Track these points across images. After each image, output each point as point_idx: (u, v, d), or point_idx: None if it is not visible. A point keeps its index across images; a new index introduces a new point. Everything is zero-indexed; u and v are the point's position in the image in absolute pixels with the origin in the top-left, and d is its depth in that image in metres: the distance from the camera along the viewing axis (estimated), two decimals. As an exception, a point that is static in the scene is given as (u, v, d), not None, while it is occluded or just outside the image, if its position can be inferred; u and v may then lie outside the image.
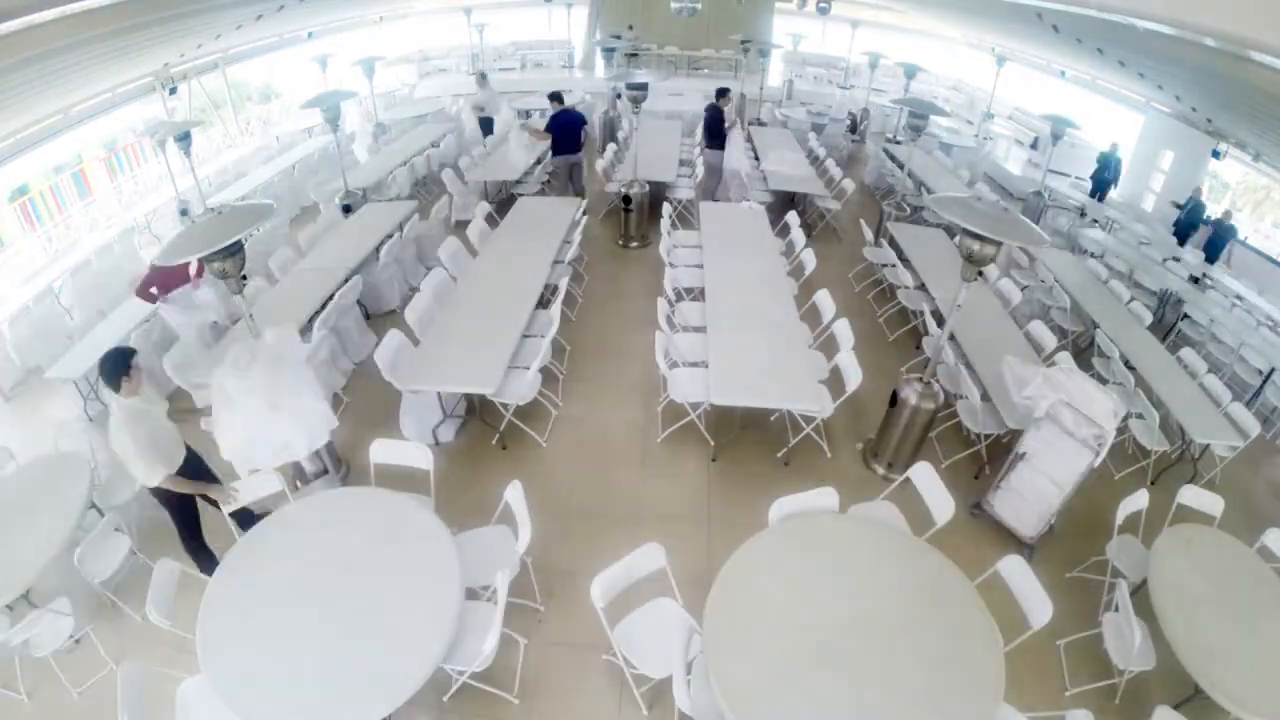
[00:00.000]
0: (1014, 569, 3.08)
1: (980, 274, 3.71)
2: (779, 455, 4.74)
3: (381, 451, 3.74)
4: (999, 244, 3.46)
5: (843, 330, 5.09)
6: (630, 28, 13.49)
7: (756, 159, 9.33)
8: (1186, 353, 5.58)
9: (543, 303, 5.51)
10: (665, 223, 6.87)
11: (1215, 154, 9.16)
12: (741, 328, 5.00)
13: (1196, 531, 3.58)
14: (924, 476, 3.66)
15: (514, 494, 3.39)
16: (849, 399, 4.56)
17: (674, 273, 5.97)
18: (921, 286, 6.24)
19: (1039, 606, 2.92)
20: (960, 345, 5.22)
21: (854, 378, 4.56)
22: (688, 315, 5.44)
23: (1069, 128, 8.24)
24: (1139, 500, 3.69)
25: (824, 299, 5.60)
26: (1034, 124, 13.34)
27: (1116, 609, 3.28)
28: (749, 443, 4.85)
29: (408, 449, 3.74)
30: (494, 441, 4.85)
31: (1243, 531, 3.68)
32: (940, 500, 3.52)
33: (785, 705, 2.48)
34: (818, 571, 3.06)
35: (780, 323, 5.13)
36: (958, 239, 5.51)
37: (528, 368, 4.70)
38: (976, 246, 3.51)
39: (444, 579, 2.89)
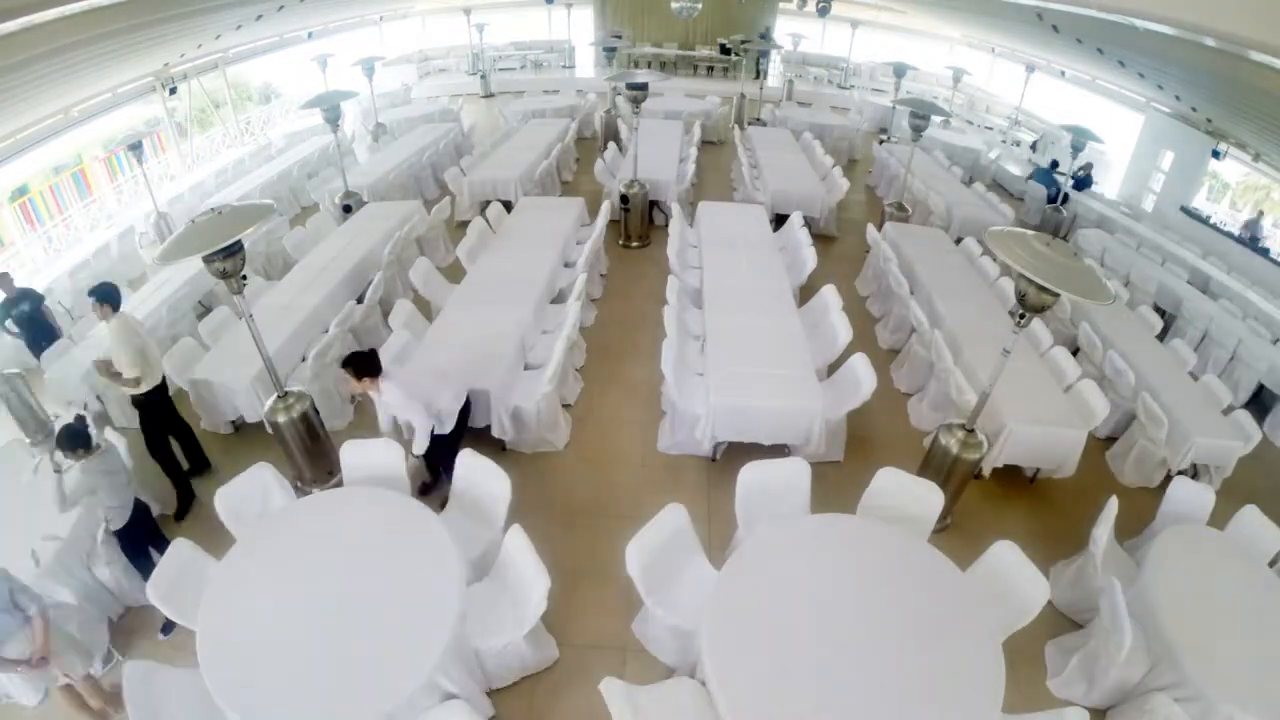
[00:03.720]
0: (1005, 554, 3.09)
1: (1024, 317, 3.21)
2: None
3: (352, 454, 3.71)
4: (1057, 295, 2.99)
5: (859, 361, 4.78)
6: (618, 37, 13.45)
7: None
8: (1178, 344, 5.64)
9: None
10: (675, 224, 6.77)
11: (1215, 154, 9.16)
12: (739, 328, 5.01)
13: (1193, 531, 3.58)
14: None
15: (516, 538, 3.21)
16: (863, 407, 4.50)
17: (679, 277, 5.82)
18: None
19: (1035, 588, 2.89)
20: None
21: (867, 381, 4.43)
22: (690, 324, 5.40)
23: (1090, 140, 7.91)
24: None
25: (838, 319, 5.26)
26: (1034, 125, 13.34)
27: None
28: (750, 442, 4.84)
29: (377, 446, 3.70)
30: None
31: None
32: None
33: (785, 704, 2.48)
34: (819, 570, 3.05)
35: (779, 323, 5.13)
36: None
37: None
38: (1033, 290, 3.04)
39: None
